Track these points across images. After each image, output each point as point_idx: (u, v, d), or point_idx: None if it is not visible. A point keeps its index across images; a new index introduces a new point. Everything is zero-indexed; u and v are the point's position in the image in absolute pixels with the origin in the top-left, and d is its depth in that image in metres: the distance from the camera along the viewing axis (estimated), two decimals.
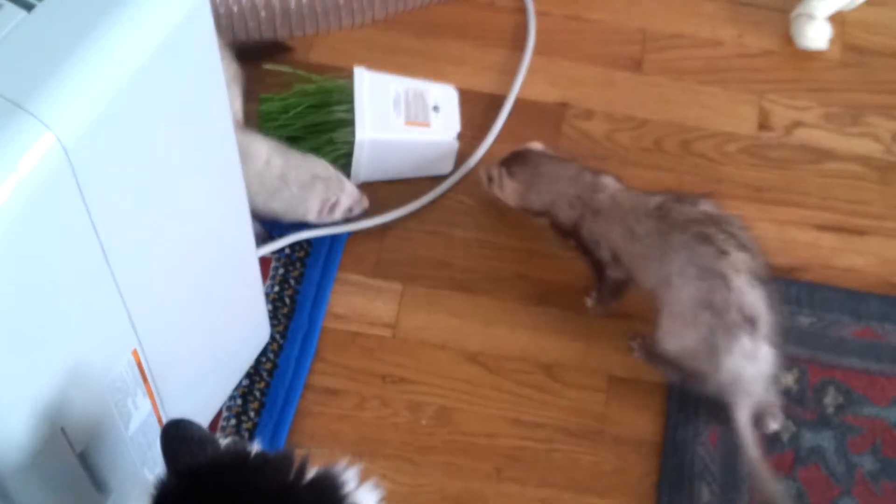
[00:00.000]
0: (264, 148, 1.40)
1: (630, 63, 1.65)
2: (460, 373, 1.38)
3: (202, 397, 1.26)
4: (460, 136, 1.51)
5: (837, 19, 1.67)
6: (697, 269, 1.26)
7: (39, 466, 0.97)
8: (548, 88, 1.62)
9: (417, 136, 1.47)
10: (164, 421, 1.15)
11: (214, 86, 0.98)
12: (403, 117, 1.47)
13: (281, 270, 1.44)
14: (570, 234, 1.40)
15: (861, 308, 1.42)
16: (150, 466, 1.13)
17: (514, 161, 1.44)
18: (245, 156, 1.32)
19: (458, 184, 1.52)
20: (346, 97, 1.46)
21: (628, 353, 1.38)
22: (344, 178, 1.44)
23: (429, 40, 1.65)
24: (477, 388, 1.37)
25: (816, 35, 1.64)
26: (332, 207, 1.42)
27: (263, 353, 1.37)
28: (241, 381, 1.35)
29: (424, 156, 1.50)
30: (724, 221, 1.29)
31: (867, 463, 1.31)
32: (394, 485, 1.29)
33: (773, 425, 1.32)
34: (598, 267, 1.38)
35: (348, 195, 1.43)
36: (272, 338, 1.38)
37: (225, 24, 1.56)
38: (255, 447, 0.95)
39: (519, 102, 1.60)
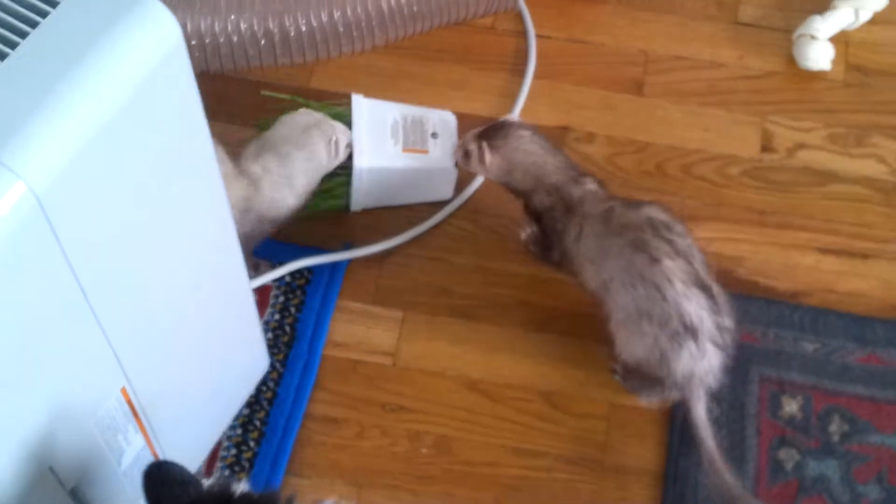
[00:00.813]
0: (257, 166, 1.35)
1: (632, 86, 1.61)
2: (460, 401, 1.35)
3: (199, 429, 1.23)
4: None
5: (840, 39, 1.63)
6: (630, 277, 1.24)
7: None
8: (549, 112, 1.58)
9: (416, 163, 1.44)
10: (160, 454, 1.14)
11: (194, 124, 0.95)
12: (401, 144, 1.44)
13: (281, 298, 1.41)
14: (538, 219, 1.37)
15: (866, 334, 1.37)
16: None
17: (496, 134, 1.37)
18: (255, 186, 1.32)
19: (458, 210, 1.49)
20: (345, 125, 1.44)
21: None
22: (329, 119, 1.40)
23: (430, 65, 1.62)
24: (477, 417, 1.34)
25: (819, 56, 1.59)
26: (336, 146, 1.38)
27: (263, 382, 1.34)
28: (241, 411, 1.32)
29: (423, 182, 1.46)
30: (663, 227, 1.26)
31: (873, 492, 1.27)
32: None
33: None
34: (545, 241, 1.37)
35: (342, 132, 1.40)
36: (272, 366, 1.35)
37: (225, 53, 1.54)
38: (242, 487, 0.93)
39: None
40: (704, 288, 1.24)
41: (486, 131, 1.38)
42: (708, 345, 1.24)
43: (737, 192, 1.52)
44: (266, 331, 1.38)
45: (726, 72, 1.63)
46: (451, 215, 1.48)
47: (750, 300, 1.40)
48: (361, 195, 1.44)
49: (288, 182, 1.35)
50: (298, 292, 1.41)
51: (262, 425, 1.31)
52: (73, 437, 0.98)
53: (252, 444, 1.30)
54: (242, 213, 1.30)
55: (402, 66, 1.62)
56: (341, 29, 1.55)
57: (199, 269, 1.07)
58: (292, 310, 1.40)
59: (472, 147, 1.38)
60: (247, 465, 1.30)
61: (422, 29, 1.62)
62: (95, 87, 0.84)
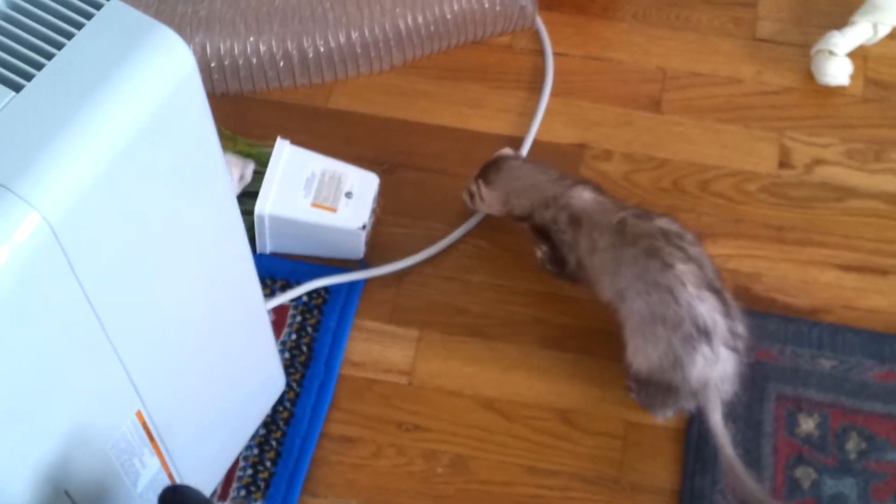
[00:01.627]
0: None
1: (649, 102, 1.61)
2: (476, 420, 1.35)
3: (214, 450, 1.24)
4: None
5: (859, 54, 1.62)
6: (644, 284, 1.26)
7: None
8: (566, 130, 1.59)
9: (320, 219, 1.42)
10: (175, 476, 1.15)
11: (208, 149, 0.97)
12: (311, 198, 1.42)
13: (298, 318, 1.42)
14: (545, 236, 1.39)
15: (885, 350, 1.37)
16: None
17: (489, 170, 1.43)
18: None
19: (475, 228, 1.49)
20: (265, 166, 1.44)
21: None
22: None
23: (447, 84, 1.63)
24: (492, 436, 1.34)
25: (837, 71, 1.59)
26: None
27: (280, 401, 1.35)
28: (257, 431, 1.33)
29: (328, 239, 1.44)
30: (675, 236, 1.29)
31: None
32: None
33: None
34: (558, 257, 1.39)
35: (233, 167, 1.40)
36: (289, 386, 1.36)
37: (244, 75, 1.55)
38: None
39: (537, 144, 1.57)
40: (717, 292, 1.26)
41: (482, 171, 1.44)
42: (722, 348, 1.24)
43: (755, 209, 1.51)
44: (283, 351, 1.39)
45: (744, 88, 1.62)
46: (468, 233, 1.49)
47: (767, 317, 1.40)
48: (266, 239, 1.45)
49: None
50: (315, 312, 1.42)
51: (279, 445, 1.32)
52: (88, 460, 1.00)
53: (268, 463, 1.31)
54: None
55: (419, 85, 1.63)
56: (359, 50, 1.56)
57: (215, 293, 1.08)
58: (309, 329, 1.41)
59: (473, 188, 1.44)
60: (263, 485, 1.31)
61: (439, 48, 1.63)
62: (110, 116, 0.85)
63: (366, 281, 1.45)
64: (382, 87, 1.62)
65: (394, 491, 1.30)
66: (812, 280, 1.45)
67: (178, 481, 1.14)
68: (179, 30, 1.51)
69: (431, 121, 1.59)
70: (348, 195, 1.44)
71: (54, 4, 0.90)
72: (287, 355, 1.39)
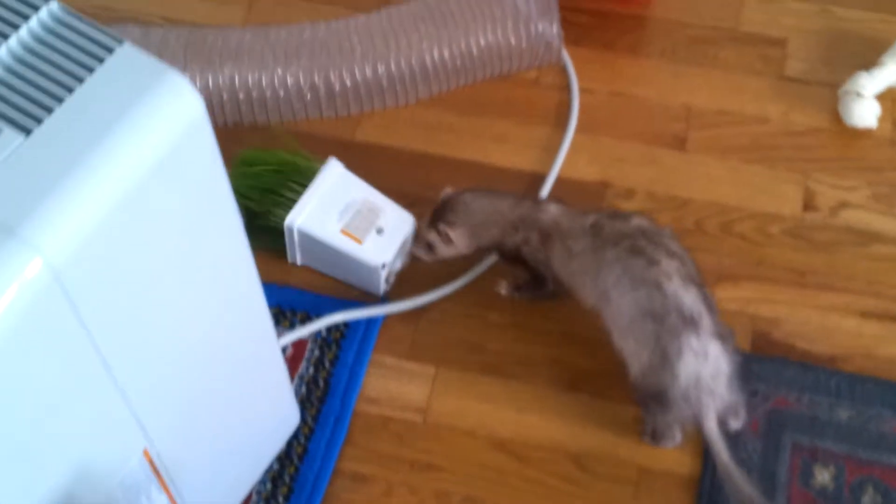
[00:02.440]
0: None
1: (674, 140, 1.59)
2: (489, 460, 1.34)
3: (226, 486, 1.23)
4: None
5: (888, 97, 1.59)
6: (631, 281, 1.26)
7: None
8: (589, 167, 1.57)
9: (344, 246, 1.41)
10: None
11: (217, 192, 0.96)
12: (342, 224, 1.41)
13: (316, 352, 1.41)
14: (517, 259, 1.39)
15: None
16: None
17: (446, 212, 1.39)
18: None
19: (495, 264, 1.48)
20: (303, 182, 1.44)
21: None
22: None
23: (473, 118, 1.62)
24: (505, 478, 1.32)
25: (865, 113, 1.56)
26: None
27: (295, 436, 1.34)
28: (271, 465, 1.33)
29: (351, 268, 1.43)
30: (654, 234, 1.29)
31: None
32: None
33: (735, 424, 1.28)
34: (538, 278, 1.39)
35: None
36: (304, 420, 1.35)
37: (272, 107, 1.55)
38: None
39: (560, 181, 1.55)
40: (699, 286, 1.26)
41: (436, 216, 1.40)
42: (710, 341, 1.23)
43: (777, 252, 1.49)
44: (300, 384, 1.39)
45: (770, 127, 1.60)
46: (489, 270, 1.48)
47: (786, 363, 1.37)
48: (296, 251, 1.44)
49: None
50: (333, 346, 1.42)
51: (292, 481, 1.32)
52: (94, 499, 0.99)
53: (281, 499, 1.30)
54: None
55: (445, 118, 1.62)
56: (385, 83, 1.56)
57: (224, 332, 1.08)
58: (326, 364, 1.40)
59: (432, 237, 1.39)
60: None
61: (465, 82, 1.62)
62: (117, 162, 0.85)
63: (385, 316, 1.44)
64: (408, 120, 1.61)
65: None
66: (833, 326, 1.42)
67: None
68: (209, 61, 1.52)
69: (456, 155, 1.58)
70: (379, 231, 1.42)
71: (67, 48, 0.90)
72: (304, 389, 1.38)
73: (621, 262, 1.27)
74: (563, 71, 1.65)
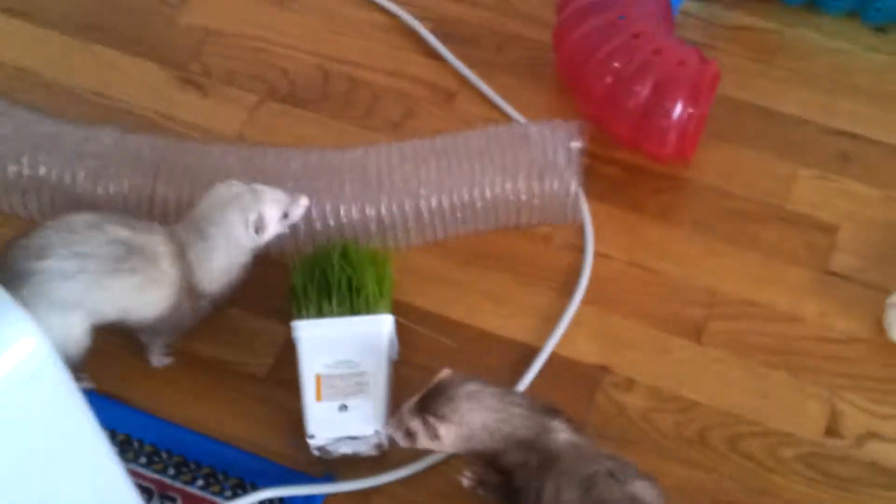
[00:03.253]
0: (159, 240, 1.25)
1: (690, 329, 1.40)
2: None
3: None
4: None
5: None
6: None
7: None
8: (590, 345, 1.39)
9: (304, 386, 1.27)
10: None
11: (71, 425, 0.81)
12: (324, 369, 1.27)
13: None
14: (501, 471, 1.18)
15: None
16: None
17: (440, 402, 1.16)
18: (184, 249, 1.26)
19: (459, 456, 1.30)
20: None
21: None
22: (262, 189, 1.27)
23: (471, 271, 1.44)
24: None
25: None
26: (258, 222, 1.26)
27: None
28: None
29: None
30: None
31: None
32: None
33: None
34: (513, 491, 1.18)
35: (272, 204, 1.27)
36: None
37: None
38: None
39: (554, 358, 1.37)
40: None
41: (424, 402, 1.17)
42: None
43: (786, 481, 1.28)
44: None
45: (803, 329, 1.40)
46: (452, 459, 1.30)
47: None
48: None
49: (207, 258, 1.26)
50: None
51: None
52: None
53: None
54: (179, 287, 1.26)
55: (441, 268, 1.44)
56: (373, 227, 1.39)
57: None
58: None
59: (416, 426, 1.17)
60: None
61: (466, 232, 1.45)
62: None
63: (326, 496, 1.28)
64: (401, 266, 1.43)
65: None
66: None
67: None
68: (180, 181, 1.38)
69: (443, 312, 1.41)
70: (342, 408, 1.25)
71: None
72: None
73: None
74: (580, 230, 1.47)
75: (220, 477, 1.28)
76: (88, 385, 1.34)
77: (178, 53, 1.64)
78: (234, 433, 1.32)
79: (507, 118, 1.56)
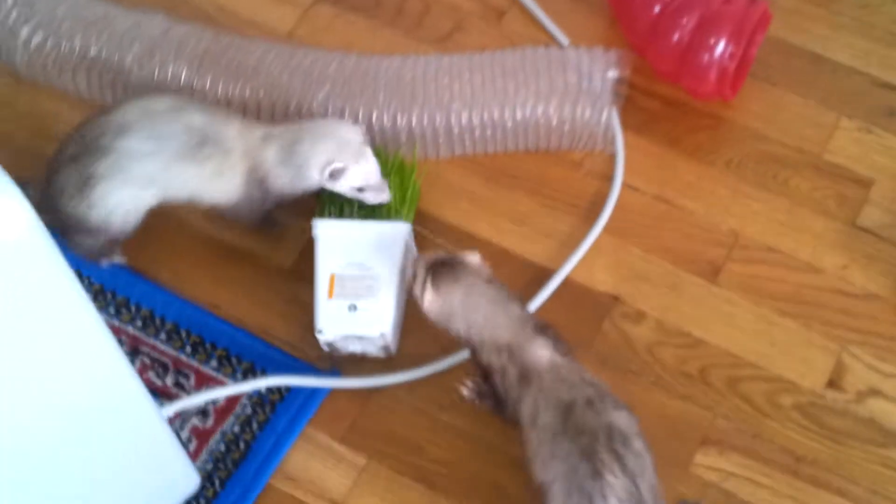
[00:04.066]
0: (278, 128, 1.31)
1: (707, 268, 1.39)
2: None
3: None
4: None
5: None
6: (569, 485, 1.09)
7: None
8: (605, 274, 1.39)
9: (318, 282, 1.30)
10: None
11: (61, 298, 0.84)
12: (337, 269, 1.29)
13: (248, 410, 1.30)
14: (486, 373, 1.21)
15: None
16: None
17: (443, 274, 1.20)
18: (263, 146, 1.29)
19: (465, 363, 1.32)
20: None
21: None
22: (369, 154, 1.29)
23: (498, 189, 1.45)
24: None
25: None
26: (337, 176, 1.29)
27: (196, 497, 1.24)
28: None
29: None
30: (619, 440, 1.10)
31: None
32: None
33: None
34: (500, 401, 1.21)
35: (362, 171, 1.29)
36: (211, 482, 1.25)
37: None
38: None
39: (567, 283, 1.38)
40: None
41: (437, 264, 1.21)
42: None
43: (780, 427, 1.28)
44: (220, 441, 1.28)
45: (821, 280, 1.38)
46: (457, 365, 1.33)
47: None
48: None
49: (281, 167, 1.30)
50: (267, 408, 1.30)
51: None
52: None
53: None
54: (249, 173, 1.30)
55: (469, 183, 1.45)
56: (403, 136, 1.40)
57: (86, 409, 0.97)
58: (254, 425, 1.29)
59: (420, 274, 1.21)
60: None
61: (498, 150, 1.45)
62: None
63: (331, 390, 1.31)
64: (430, 177, 1.44)
65: None
66: None
67: None
68: (224, 73, 1.40)
69: (466, 227, 1.42)
70: (351, 308, 1.28)
71: None
72: (222, 447, 1.27)
73: (570, 463, 1.09)
74: (612, 159, 1.47)
75: (233, 360, 1.33)
76: (121, 260, 1.39)
77: None
78: (250, 320, 1.37)
79: (552, 41, 1.55)
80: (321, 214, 1.34)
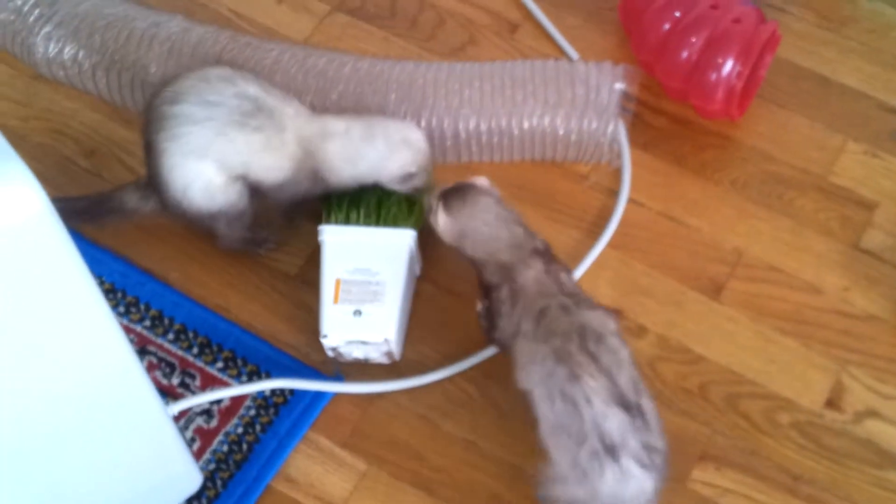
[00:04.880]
0: (340, 122, 1.30)
1: (710, 286, 1.38)
2: None
3: None
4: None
5: None
6: (549, 390, 1.13)
7: None
8: (608, 288, 1.38)
9: (324, 288, 1.30)
10: None
11: (68, 282, 0.84)
12: (344, 274, 1.29)
13: (252, 412, 1.29)
14: (487, 295, 1.24)
15: None
16: None
17: (454, 196, 1.26)
18: (323, 137, 1.29)
19: (469, 370, 1.32)
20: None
21: None
22: (426, 161, 1.33)
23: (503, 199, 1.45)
24: None
25: None
26: (408, 178, 1.31)
27: (197, 497, 1.24)
28: None
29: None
30: (592, 339, 1.14)
31: None
32: None
33: None
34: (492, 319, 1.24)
35: (426, 174, 1.32)
36: (212, 482, 1.24)
37: None
38: None
39: None
40: (628, 407, 1.11)
41: (449, 190, 1.27)
42: (633, 466, 1.11)
43: (777, 445, 1.28)
44: (223, 442, 1.27)
45: (822, 301, 1.37)
46: (459, 374, 1.32)
47: None
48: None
49: (354, 164, 1.30)
50: (271, 411, 1.29)
51: None
52: None
53: None
54: (300, 159, 1.29)
55: None
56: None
57: (87, 408, 0.96)
58: (257, 427, 1.28)
59: (434, 203, 1.27)
60: None
61: (503, 160, 1.45)
62: None
63: (335, 394, 1.31)
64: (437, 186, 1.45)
65: None
66: None
67: None
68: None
69: None
70: (356, 313, 1.28)
71: None
72: (225, 448, 1.27)
73: (546, 367, 1.13)
74: (618, 174, 1.46)
75: (239, 362, 1.33)
76: (272, 246, 1.41)
77: None
78: (257, 323, 1.36)
79: (563, 56, 1.55)
80: (328, 220, 1.34)
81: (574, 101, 1.39)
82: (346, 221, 1.32)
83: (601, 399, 1.11)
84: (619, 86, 1.39)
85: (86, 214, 1.36)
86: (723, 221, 1.44)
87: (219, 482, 1.25)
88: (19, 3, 1.46)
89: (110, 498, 1.10)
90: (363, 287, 1.29)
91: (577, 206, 1.45)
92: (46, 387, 0.90)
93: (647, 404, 1.14)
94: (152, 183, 1.30)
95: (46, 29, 1.45)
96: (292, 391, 1.30)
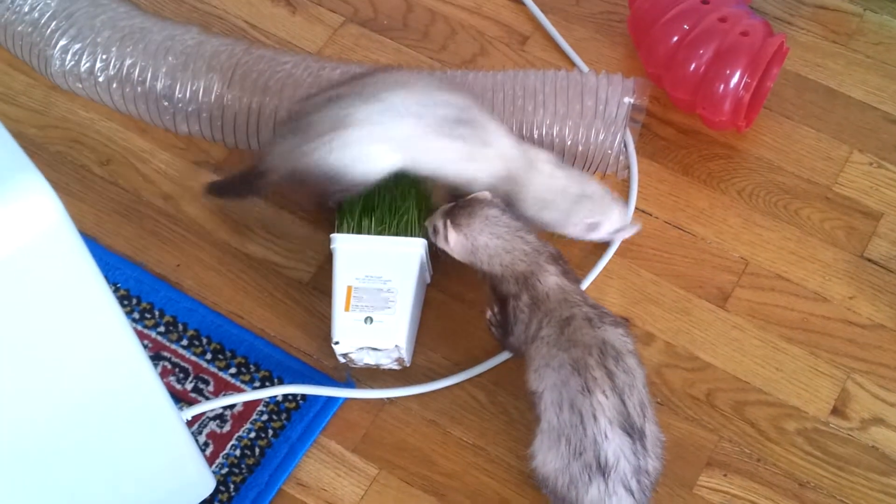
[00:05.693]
0: (548, 164, 1.31)
1: (717, 294, 1.38)
2: None
3: None
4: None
5: None
6: (559, 397, 1.13)
7: None
8: (617, 296, 1.38)
9: (336, 295, 1.29)
10: None
11: (83, 290, 0.84)
12: (354, 281, 1.29)
13: (264, 417, 1.29)
14: (502, 301, 1.24)
15: None
16: None
17: (461, 213, 1.25)
18: (530, 168, 1.30)
19: (477, 376, 1.32)
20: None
21: None
22: (613, 203, 1.34)
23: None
24: None
25: None
26: (593, 227, 1.33)
27: (210, 501, 1.23)
28: None
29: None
30: (611, 356, 1.14)
31: None
32: None
33: None
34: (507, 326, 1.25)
35: (612, 221, 1.34)
36: (226, 486, 1.24)
37: None
38: None
39: None
40: (632, 432, 1.12)
41: (452, 208, 1.26)
42: (619, 488, 1.12)
43: (783, 452, 1.27)
44: (236, 446, 1.27)
45: (828, 309, 1.37)
46: (469, 380, 1.32)
47: None
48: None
49: (541, 208, 1.31)
50: (283, 416, 1.29)
51: None
52: None
53: None
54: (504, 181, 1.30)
55: None
56: None
57: (106, 412, 0.97)
58: (270, 432, 1.28)
59: (439, 224, 1.26)
60: None
61: None
62: None
63: (346, 399, 1.31)
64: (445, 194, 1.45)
65: None
66: None
67: None
68: (252, 88, 1.40)
69: None
70: (368, 321, 1.28)
71: None
72: (238, 452, 1.27)
73: (561, 375, 1.14)
74: (626, 183, 1.46)
75: (252, 368, 1.33)
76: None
77: None
78: (270, 330, 1.36)
79: (573, 68, 1.55)
80: (340, 229, 1.34)
81: (583, 111, 1.38)
82: (358, 230, 1.32)
83: (607, 419, 1.11)
84: (628, 98, 1.39)
85: (238, 190, 1.41)
86: (729, 230, 1.43)
87: (231, 486, 1.25)
88: (36, 15, 1.46)
89: (125, 501, 1.10)
90: (374, 294, 1.29)
91: None
92: (61, 392, 0.90)
93: (651, 428, 1.14)
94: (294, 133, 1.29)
95: (63, 42, 1.45)
96: (304, 397, 1.31)
